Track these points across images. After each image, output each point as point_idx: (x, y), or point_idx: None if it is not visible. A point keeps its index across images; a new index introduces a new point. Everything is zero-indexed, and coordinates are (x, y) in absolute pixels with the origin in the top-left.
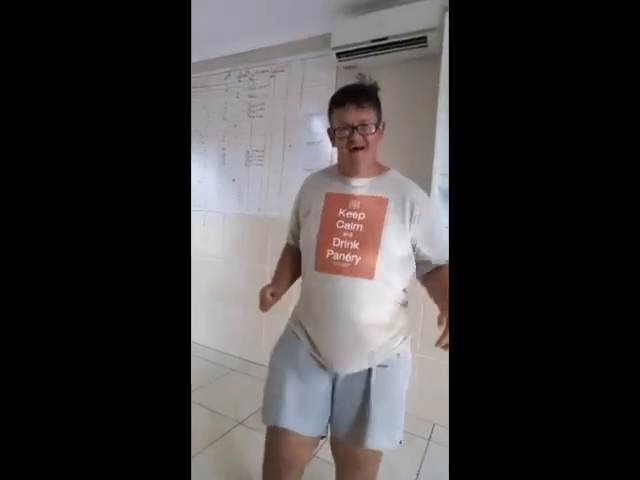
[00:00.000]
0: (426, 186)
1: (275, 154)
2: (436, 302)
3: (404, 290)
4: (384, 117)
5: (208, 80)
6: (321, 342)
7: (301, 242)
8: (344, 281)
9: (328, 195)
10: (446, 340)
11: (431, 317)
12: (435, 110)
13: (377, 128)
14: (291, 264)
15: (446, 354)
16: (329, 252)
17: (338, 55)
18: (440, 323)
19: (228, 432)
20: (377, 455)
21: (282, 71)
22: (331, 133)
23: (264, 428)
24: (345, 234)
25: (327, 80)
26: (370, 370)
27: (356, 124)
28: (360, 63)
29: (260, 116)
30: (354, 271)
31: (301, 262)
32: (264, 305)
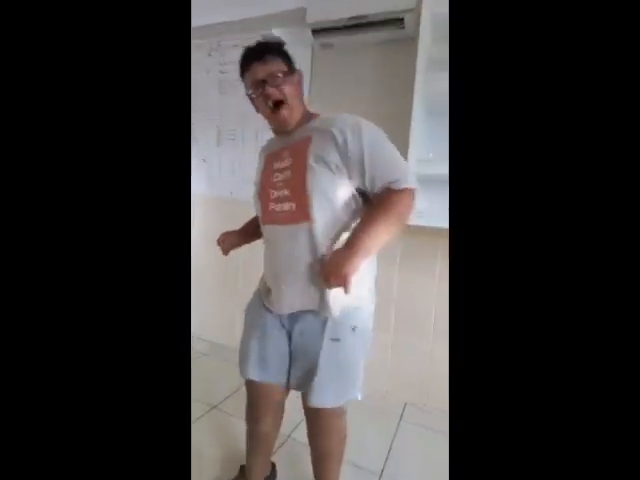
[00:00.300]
0: None
1: (248, 134)
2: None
3: None
4: (363, 96)
5: None
6: (275, 290)
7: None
8: (285, 229)
9: (267, 155)
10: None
11: (406, 296)
12: (412, 93)
13: (290, 77)
14: (254, 222)
15: (421, 335)
16: (270, 205)
17: (314, 32)
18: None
19: (201, 416)
20: (338, 409)
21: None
22: (251, 100)
23: (239, 412)
24: (279, 184)
25: (302, 57)
26: (321, 342)
27: (263, 78)
28: (336, 41)
29: (232, 93)
30: (293, 217)
31: None
32: (220, 246)
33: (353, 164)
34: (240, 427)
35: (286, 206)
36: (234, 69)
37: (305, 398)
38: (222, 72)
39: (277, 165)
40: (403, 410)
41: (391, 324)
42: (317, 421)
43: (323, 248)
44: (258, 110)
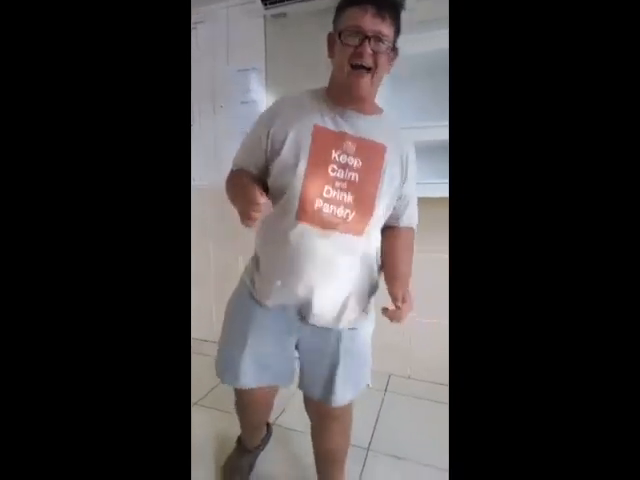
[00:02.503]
0: None
1: (205, 117)
2: (385, 268)
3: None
4: (320, 64)
5: None
6: (295, 299)
7: (272, 181)
8: (333, 238)
9: (317, 129)
10: (400, 316)
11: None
12: None
13: (392, 50)
14: (257, 183)
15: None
16: (318, 202)
17: (264, 1)
18: (396, 299)
19: None
20: (347, 406)
21: (202, 22)
22: (333, 39)
23: (221, 405)
24: (338, 183)
25: (255, 31)
26: (339, 333)
27: (370, 34)
28: (290, 10)
29: None
30: (346, 227)
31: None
32: (254, 209)
33: (400, 197)
34: (224, 419)
35: (341, 211)
36: None
37: (321, 401)
38: None
39: (338, 156)
40: (387, 382)
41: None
42: (333, 421)
43: (366, 261)
44: (332, 56)
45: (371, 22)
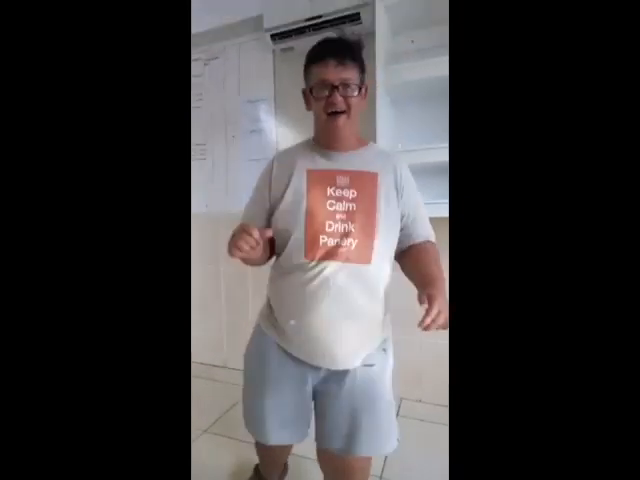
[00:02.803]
0: None
1: (218, 146)
2: (417, 284)
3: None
4: None
5: None
6: (311, 337)
7: (277, 226)
8: (341, 268)
9: (310, 172)
10: (428, 320)
11: (399, 293)
12: (374, 87)
13: (360, 90)
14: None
15: (412, 330)
16: (322, 238)
17: (272, 37)
18: (422, 301)
19: (193, 441)
20: (367, 461)
21: (216, 58)
22: (307, 94)
23: (231, 432)
24: (338, 216)
25: (264, 64)
26: (354, 372)
27: (337, 83)
28: (297, 44)
29: (198, 107)
30: (352, 256)
31: (275, 252)
32: (246, 242)
33: (403, 216)
34: (234, 446)
35: (345, 242)
36: (197, 83)
37: (342, 453)
38: None
39: (333, 191)
40: (399, 406)
41: None
42: (350, 476)
43: (377, 289)
44: (309, 109)
45: (334, 73)
